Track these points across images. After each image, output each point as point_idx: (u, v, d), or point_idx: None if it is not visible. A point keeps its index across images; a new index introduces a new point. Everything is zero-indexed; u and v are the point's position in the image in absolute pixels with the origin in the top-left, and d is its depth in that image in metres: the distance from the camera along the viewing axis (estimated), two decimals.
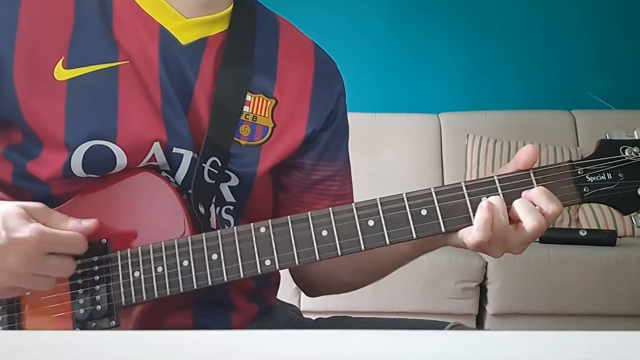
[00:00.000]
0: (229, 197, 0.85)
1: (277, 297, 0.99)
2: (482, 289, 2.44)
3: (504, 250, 0.74)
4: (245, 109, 0.83)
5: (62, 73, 0.77)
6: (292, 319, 0.97)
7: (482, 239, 0.71)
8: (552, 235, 2.45)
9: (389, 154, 3.02)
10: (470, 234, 0.72)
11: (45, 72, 0.77)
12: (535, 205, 0.72)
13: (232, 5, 0.85)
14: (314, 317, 0.99)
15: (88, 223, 0.74)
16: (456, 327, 0.86)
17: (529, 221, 0.71)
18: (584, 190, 0.74)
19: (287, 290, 2.33)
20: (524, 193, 0.73)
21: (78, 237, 0.73)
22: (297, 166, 0.89)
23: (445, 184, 2.99)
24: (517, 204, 0.72)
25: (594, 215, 2.70)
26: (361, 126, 2.97)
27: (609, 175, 0.74)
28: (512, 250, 0.74)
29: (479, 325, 2.47)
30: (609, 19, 3.29)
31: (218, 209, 0.85)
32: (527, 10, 3.31)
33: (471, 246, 0.73)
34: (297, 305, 1.03)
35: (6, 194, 0.81)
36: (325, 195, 0.91)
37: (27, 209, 0.70)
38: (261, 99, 0.85)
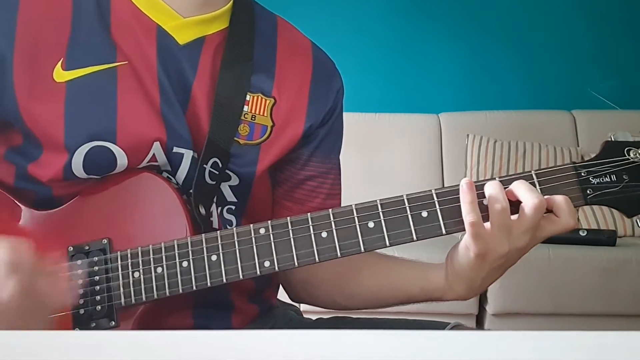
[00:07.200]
0: (230, 196, 0.85)
1: (278, 297, 0.99)
2: None
3: (510, 243, 0.71)
4: (244, 108, 0.83)
5: (61, 74, 0.77)
6: (292, 319, 0.97)
7: (474, 219, 0.69)
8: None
9: (389, 154, 3.01)
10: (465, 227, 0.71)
11: (44, 74, 0.77)
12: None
13: (229, 4, 0.86)
14: (314, 317, 0.99)
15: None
16: (456, 327, 0.86)
17: (528, 198, 0.70)
18: (588, 192, 0.72)
19: None
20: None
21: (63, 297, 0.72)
22: (290, 160, 0.90)
23: (445, 184, 3.02)
24: (515, 185, 0.72)
25: (594, 215, 2.70)
26: (361, 126, 2.96)
27: (613, 177, 0.72)
28: (517, 242, 0.71)
29: (479, 325, 2.47)
30: (609, 18, 3.29)
31: (220, 208, 0.85)
32: (527, 10, 3.31)
33: (470, 236, 0.71)
34: (297, 305, 1.02)
35: (8, 195, 0.81)
36: (316, 193, 0.91)
37: (13, 260, 0.66)
38: (260, 98, 0.85)
